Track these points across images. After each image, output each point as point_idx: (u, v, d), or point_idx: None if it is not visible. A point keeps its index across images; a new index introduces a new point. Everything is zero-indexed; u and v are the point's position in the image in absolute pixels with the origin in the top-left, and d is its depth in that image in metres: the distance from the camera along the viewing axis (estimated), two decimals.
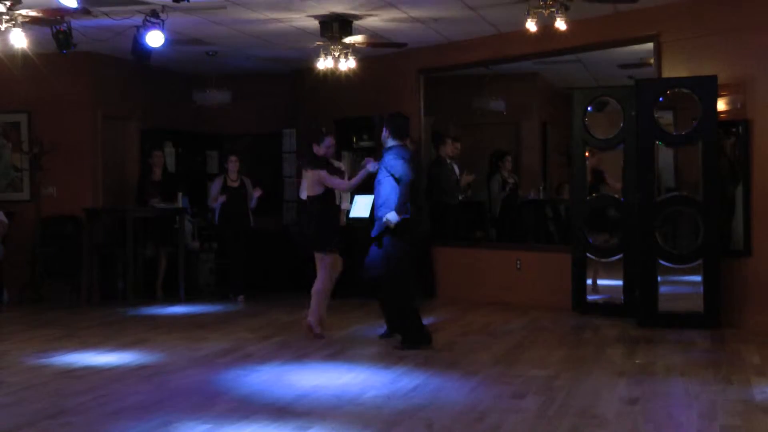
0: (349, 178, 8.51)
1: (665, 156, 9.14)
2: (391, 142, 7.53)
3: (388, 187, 7.40)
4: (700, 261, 8.45)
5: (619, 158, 9.20)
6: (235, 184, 11.00)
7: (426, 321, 7.88)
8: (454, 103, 12.36)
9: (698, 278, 8.46)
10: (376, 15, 9.17)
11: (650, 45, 9.13)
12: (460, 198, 11.32)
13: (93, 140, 11.25)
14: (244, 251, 11.00)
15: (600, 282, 9.59)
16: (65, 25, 8.19)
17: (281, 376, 6.50)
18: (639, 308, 8.61)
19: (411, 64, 11.26)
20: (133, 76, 11.51)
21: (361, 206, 9.98)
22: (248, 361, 7.04)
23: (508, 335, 8.21)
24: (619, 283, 9.14)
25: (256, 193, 10.95)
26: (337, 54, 9.32)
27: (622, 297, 9.06)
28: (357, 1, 8.63)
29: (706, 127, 8.39)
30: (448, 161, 11.28)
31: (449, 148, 11.35)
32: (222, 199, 10.88)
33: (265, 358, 7.14)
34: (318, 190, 8.02)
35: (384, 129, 7.59)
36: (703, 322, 8.33)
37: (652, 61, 9.17)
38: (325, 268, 8.00)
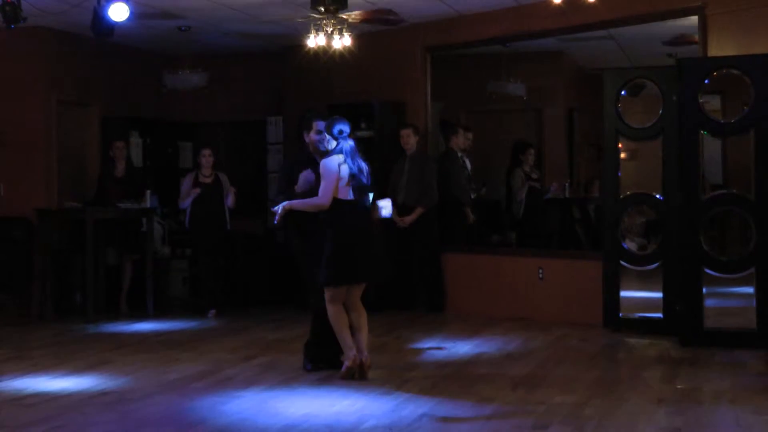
0: None
1: (711, 147, 9.13)
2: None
3: None
4: (752, 270, 8.45)
5: (656, 150, 9.19)
6: (209, 181, 10.96)
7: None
8: (465, 87, 12.40)
9: (750, 290, 8.46)
10: None
11: (694, 18, 9.13)
12: (473, 197, 11.33)
13: (46, 130, 11.24)
14: (220, 258, 10.99)
15: (636, 294, 9.53)
16: None
17: (266, 403, 6.50)
18: (681, 325, 8.61)
19: (416, 42, 11.26)
20: (93, 55, 11.52)
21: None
22: (227, 386, 7.03)
23: (528, 356, 8.22)
24: (658, 295, 9.14)
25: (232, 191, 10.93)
26: (330, 29, 9.30)
27: (662, 312, 9.05)
28: None
29: (760, 113, 8.39)
30: (460, 154, 11.29)
31: (461, 140, 11.35)
32: (195, 192, 10.83)
33: (247, 383, 7.14)
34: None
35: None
36: (756, 340, 8.33)
37: (696, 37, 9.17)
38: None
